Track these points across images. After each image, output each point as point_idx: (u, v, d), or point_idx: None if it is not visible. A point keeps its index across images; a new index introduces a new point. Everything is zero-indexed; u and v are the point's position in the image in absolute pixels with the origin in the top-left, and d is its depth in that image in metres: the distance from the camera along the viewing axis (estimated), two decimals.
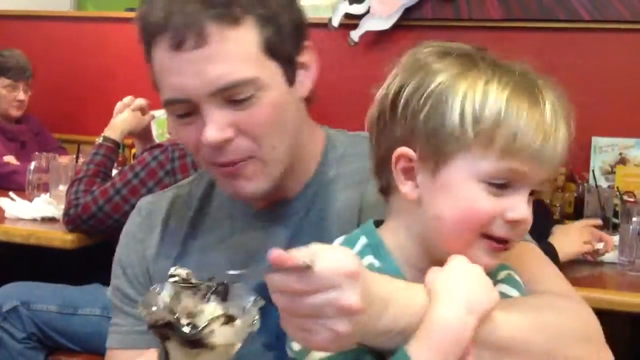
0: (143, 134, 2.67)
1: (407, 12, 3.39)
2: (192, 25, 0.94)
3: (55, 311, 2.32)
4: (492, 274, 0.90)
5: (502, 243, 0.87)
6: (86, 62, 4.01)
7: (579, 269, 2.13)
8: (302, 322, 0.74)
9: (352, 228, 1.02)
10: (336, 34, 3.47)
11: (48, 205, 2.55)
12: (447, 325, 0.79)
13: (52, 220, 2.50)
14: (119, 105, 2.63)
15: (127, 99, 2.62)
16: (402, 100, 0.87)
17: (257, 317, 0.83)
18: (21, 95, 3.54)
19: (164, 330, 0.83)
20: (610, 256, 2.21)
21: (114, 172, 2.46)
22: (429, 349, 0.79)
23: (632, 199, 2.41)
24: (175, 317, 0.82)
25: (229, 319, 0.82)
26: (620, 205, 2.30)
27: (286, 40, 1.01)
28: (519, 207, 0.85)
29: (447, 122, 0.84)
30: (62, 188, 2.60)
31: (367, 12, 3.43)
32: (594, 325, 0.93)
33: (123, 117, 2.57)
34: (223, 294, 0.85)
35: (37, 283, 2.44)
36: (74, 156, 2.96)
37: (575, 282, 1.98)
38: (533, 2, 3.23)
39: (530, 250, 1.03)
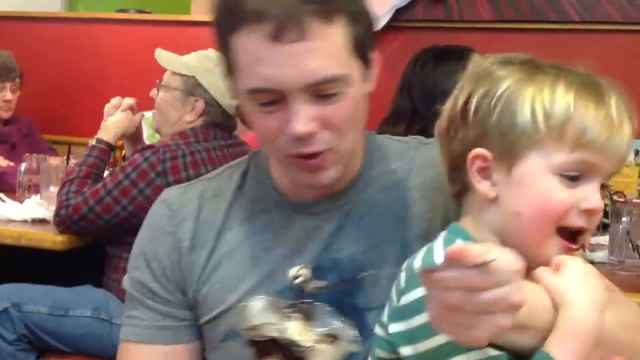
0: (134, 135, 2.66)
1: (398, 13, 3.39)
2: (293, 18, 0.95)
3: (46, 312, 2.32)
4: None
5: (575, 241, 0.92)
6: (77, 63, 4.00)
7: None
8: (467, 318, 0.75)
9: (398, 225, 1.08)
10: None
11: (39, 206, 2.54)
12: (586, 326, 0.84)
13: (42, 221, 2.48)
14: (107, 107, 2.61)
15: (115, 100, 2.61)
16: (472, 107, 0.93)
17: (356, 336, 0.85)
18: (8, 96, 3.52)
19: (267, 345, 0.84)
20: (600, 256, 2.22)
21: (106, 173, 2.45)
22: (570, 350, 0.83)
23: (622, 199, 2.42)
24: (283, 333, 0.82)
25: (333, 339, 0.83)
26: (610, 206, 2.31)
27: (367, 38, 1.04)
28: (592, 196, 0.90)
29: (519, 120, 0.90)
30: (53, 189, 2.59)
31: None
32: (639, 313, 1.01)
33: (115, 119, 2.56)
34: (306, 313, 0.85)
35: (28, 284, 2.43)
36: (65, 157, 2.96)
37: None
38: (523, 3, 3.25)
39: None
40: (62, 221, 2.27)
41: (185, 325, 1.15)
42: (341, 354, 0.85)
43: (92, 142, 2.47)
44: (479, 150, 0.93)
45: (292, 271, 0.89)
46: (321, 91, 0.99)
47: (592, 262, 2.20)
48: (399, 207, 1.10)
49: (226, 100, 2.34)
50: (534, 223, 0.91)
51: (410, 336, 0.87)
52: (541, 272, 0.88)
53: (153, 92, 2.46)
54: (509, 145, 0.91)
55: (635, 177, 3.03)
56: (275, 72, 0.98)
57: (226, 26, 1.01)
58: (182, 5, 4.43)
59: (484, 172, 0.93)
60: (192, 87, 2.35)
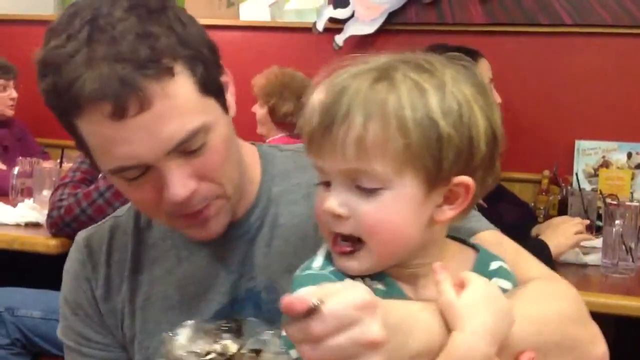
0: None
1: (391, 16, 3.41)
2: (132, 90, 0.87)
3: (39, 317, 2.31)
4: (483, 264, 0.91)
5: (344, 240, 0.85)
6: None
7: (562, 271, 2.13)
8: None
9: (309, 244, 0.98)
10: (321, 38, 3.48)
11: (32, 210, 2.54)
12: (471, 356, 0.77)
13: (36, 225, 2.49)
14: None
15: None
16: None
17: (282, 345, 0.81)
18: (14, 94, 3.54)
19: None
20: (594, 258, 2.23)
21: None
22: None
23: (614, 202, 2.43)
24: (207, 358, 0.80)
25: (256, 353, 0.81)
26: (603, 208, 2.33)
27: (212, 70, 0.96)
28: (327, 200, 0.84)
29: None
30: (46, 193, 2.59)
31: (352, 16, 3.44)
32: (582, 303, 0.95)
33: None
34: (236, 330, 0.84)
35: (21, 289, 2.43)
36: (58, 161, 2.95)
37: None
38: (515, 6, 3.26)
39: (501, 237, 1.03)
40: (55, 223, 2.27)
41: None
42: None
43: None
44: None
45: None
46: (185, 149, 0.92)
47: (585, 265, 2.23)
48: (309, 225, 1.01)
49: None
50: None
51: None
52: (444, 287, 0.80)
53: None
54: None
55: (628, 180, 3.04)
56: (131, 148, 0.90)
57: (66, 109, 0.92)
58: None
59: None
60: None
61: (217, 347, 0.83)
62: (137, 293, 1.09)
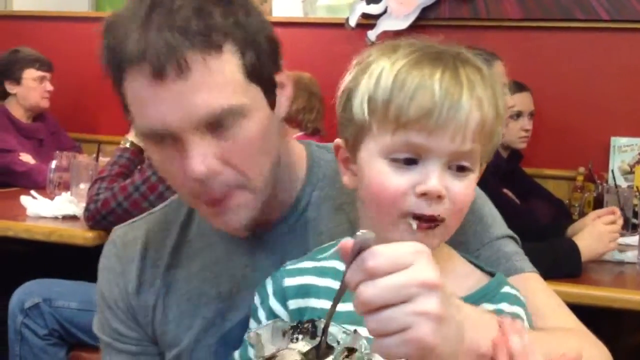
0: None
1: (424, 11, 3.40)
2: (174, 54, 0.89)
3: (76, 308, 2.35)
4: (496, 285, 0.91)
5: (429, 221, 0.85)
6: None
7: (598, 269, 2.13)
8: (393, 317, 0.69)
9: None
10: (353, 34, 3.48)
11: (69, 203, 2.57)
12: None
13: (73, 218, 2.52)
14: None
15: None
16: (337, 95, 0.93)
17: (366, 344, 0.81)
18: (49, 86, 3.59)
19: None
20: (630, 256, 2.21)
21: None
22: None
23: None
24: (307, 356, 0.81)
25: (350, 352, 0.81)
26: (639, 205, 2.30)
27: (266, 61, 0.96)
28: (426, 179, 0.83)
29: (352, 109, 0.88)
30: (83, 187, 2.63)
31: (384, 12, 3.44)
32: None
33: None
34: (312, 331, 0.84)
35: (59, 280, 2.47)
36: (94, 155, 2.99)
37: (596, 282, 2.00)
38: (551, 1, 3.23)
39: (533, 281, 1.02)
40: (92, 216, 2.31)
41: None
42: None
43: (126, 144, 2.51)
44: (337, 140, 0.93)
45: None
46: (216, 126, 0.92)
47: (622, 263, 2.21)
48: (346, 233, 0.96)
49: None
50: (374, 209, 0.87)
51: None
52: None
53: None
54: (350, 135, 0.89)
55: None
56: (160, 112, 0.91)
57: (114, 72, 0.96)
58: None
59: (346, 163, 0.92)
60: None
61: (305, 346, 0.84)
62: (173, 289, 1.09)
